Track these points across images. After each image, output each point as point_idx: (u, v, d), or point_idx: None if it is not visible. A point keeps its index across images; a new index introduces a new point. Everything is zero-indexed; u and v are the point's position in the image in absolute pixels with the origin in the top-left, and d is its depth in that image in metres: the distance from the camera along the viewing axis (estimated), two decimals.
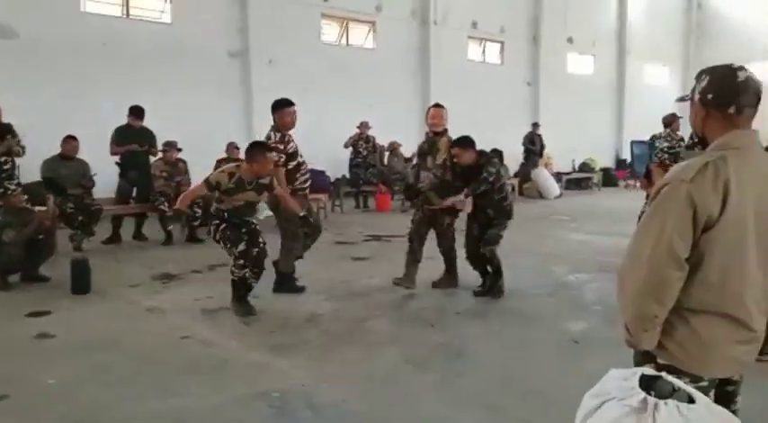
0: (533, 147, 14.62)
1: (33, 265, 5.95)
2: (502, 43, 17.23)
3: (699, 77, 1.82)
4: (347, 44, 14.19)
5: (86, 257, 5.80)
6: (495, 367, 3.90)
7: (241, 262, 4.93)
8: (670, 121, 9.29)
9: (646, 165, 2.24)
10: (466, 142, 5.53)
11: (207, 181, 4.91)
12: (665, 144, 9.15)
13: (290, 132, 5.62)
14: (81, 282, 5.53)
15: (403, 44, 14.85)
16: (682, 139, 9.06)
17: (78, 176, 7.43)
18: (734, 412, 1.81)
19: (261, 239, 5.09)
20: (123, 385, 3.60)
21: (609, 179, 17.05)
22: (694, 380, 1.72)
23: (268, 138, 5.51)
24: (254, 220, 5.19)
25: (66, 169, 7.30)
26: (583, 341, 4.40)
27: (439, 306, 5.24)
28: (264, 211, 9.37)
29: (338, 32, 14.09)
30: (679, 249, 1.64)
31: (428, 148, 5.81)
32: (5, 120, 6.83)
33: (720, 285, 1.67)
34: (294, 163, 5.55)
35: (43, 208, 6.34)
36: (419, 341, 4.39)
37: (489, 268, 5.53)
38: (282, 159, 5.41)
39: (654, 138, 9.26)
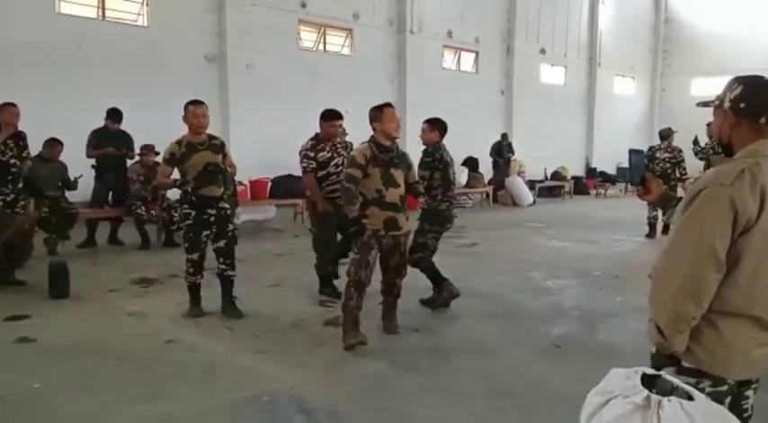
0: (500, 158, 14.81)
1: (9, 269, 5.84)
2: (476, 53, 17.46)
3: (730, 86, 1.87)
4: (324, 50, 14.22)
5: (65, 261, 5.72)
6: (480, 372, 3.96)
7: (191, 270, 4.99)
8: (668, 135, 9.63)
9: (642, 174, 2.29)
10: (435, 122, 5.61)
11: (163, 159, 4.95)
12: (667, 155, 9.46)
13: (331, 142, 5.87)
14: (59, 286, 5.45)
15: (380, 51, 14.95)
16: (681, 151, 9.49)
17: (57, 179, 7.31)
18: (744, 410, 1.88)
19: (229, 227, 5.01)
20: (109, 390, 3.57)
21: (580, 187, 17.36)
22: (716, 383, 1.78)
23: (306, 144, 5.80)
24: (225, 205, 4.99)
25: (46, 171, 7.17)
26: (564, 345, 4.49)
27: (422, 311, 5.29)
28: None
29: (315, 39, 14.11)
30: (720, 251, 1.69)
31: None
32: None
33: (749, 288, 1.73)
34: (323, 172, 5.66)
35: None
36: (404, 346, 4.44)
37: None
38: (312, 166, 5.63)
39: (652, 149, 9.57)
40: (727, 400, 1.81)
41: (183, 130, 10.46)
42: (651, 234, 9.55)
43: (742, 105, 1.82)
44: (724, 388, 1.80)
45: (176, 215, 8.06)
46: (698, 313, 1.74)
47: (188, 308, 5.10)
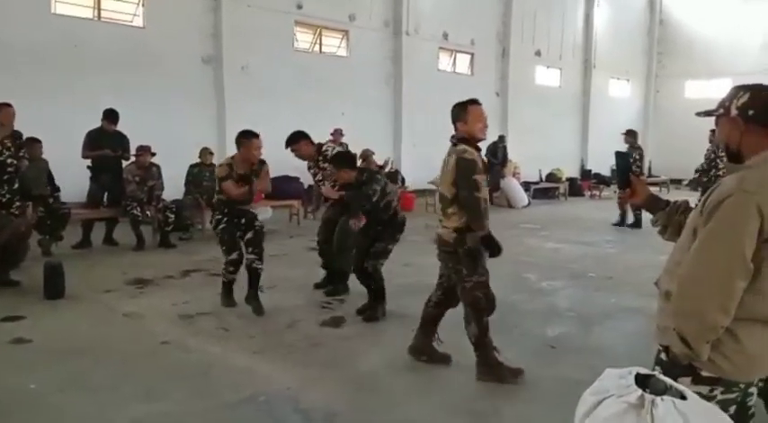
0: (495, 159, 14.84)
1: (4, 270, 5.83)
2: (472, 55, 17.50)
3: (735, 93, 1.88)
4: (320, 52, 14.23)
5: (60, 262, 5.71)
6: (475, 373, 3.97)
7: (231, 269, 5.26)
8: (632, 135, 10.18)
9: (626, 177, 2.24)
10: (340, 161, 5.22)
11: (221, 178, 5.25)
12: (636, 155, 9.90)
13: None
14: (55, 286, 5.45)
15: (376, 53, 14.97)
16: (641, 150, 10.13)
17: (43, 177, 7.29)
18: (749, 408, 1.90)
19: (257, 223, 5.38)
20: (105, 391, 3.57)
21: (575, 189, 17.40)
22: (728, 389, 1.80)
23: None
24: (253, 210, 5.51)
25: (32, 170, 7.13)
26: (559, 346, 4.52)
27: (417, 313, 5.28)
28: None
29: (311, 40, 14.12)
30: (749, 258, 1.70)
31: None
32: None
33: None
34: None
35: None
36: (400, 346, 4.42)
37: (370, 286, 5.15)
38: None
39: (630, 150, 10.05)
40: (735, 405, 1.83)
41: (179, 131, 10.49)
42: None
43: (751, 112, 1.84)
44: (735, 394, 1.82)
45: (171, 216, 8.12)
46: (726, 322, 1.74)
47: (221, 299, 5.38)
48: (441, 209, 3.83)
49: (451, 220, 3.69)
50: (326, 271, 5.95)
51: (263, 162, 5.41)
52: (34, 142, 7.30)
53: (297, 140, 5.87)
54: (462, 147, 3.71)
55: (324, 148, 5.95)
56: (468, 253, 3.67)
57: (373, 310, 5.11)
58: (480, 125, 3.82)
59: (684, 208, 2.20)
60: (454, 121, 3.84)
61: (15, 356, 4.12)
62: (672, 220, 2.22)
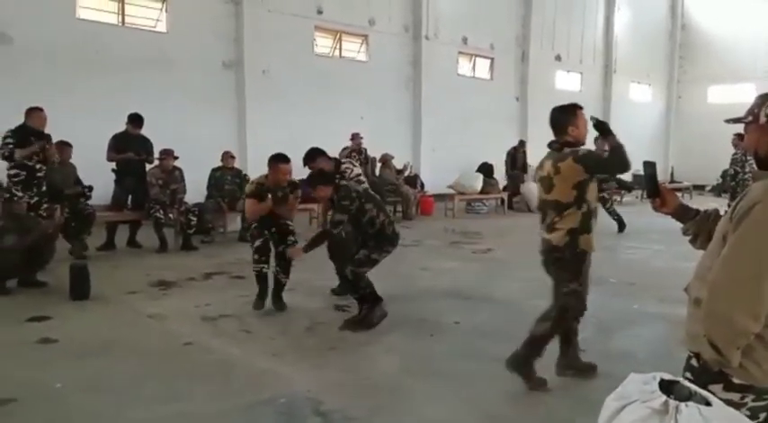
0: (514, 165, 14.77)
1: (31, 271, 5.94)
2: (492, 59, 17.49)
3: (764, 101, 1.88)
4: (340, 56, 14.32)
5: (86, 263, 5.81)
6: (496, 377, 3.95)
7: (256, 256, 5.28)
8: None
9: (655, 186, 2.24)
10: (313, 179, 5.11)
11: (247, 195, 5.41)
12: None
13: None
14: (81, 287, 5.54)
15: (395, 58, 15.03)
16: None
17: (71, 181, 7.43)
18: None
19: (291, 238, 5.41)
20: (129, 390, 3.62)
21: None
22: (759, 396, 1.79)
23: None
24: (290, 222, 5.51)
25: (59, 175, 7.28)
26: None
27: (438, 316, 5.31)
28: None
29: (331, 45, 14.22)
30: None
31: None
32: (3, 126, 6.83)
33: None
34: None
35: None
36: (419, 350, 4.46)
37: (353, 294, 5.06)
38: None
39: None
40: (766, 413, 1.82)
41: (201, 135, 10.59)
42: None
43: None
44: (765, 402, 1.80)
45: (194, 219, 8.21)
46: (757, 328, 1.73)
47: (255, 301, 5.38)
48: (550, 217, 3.72)
49: (566, 222, 3.63)
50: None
51: (295, 186, 5.46)
52: (65, 146, 7.47)
53: (314, 158, 5.73)
54: (571, 149, 3.70)
55: (343, 168, 5.81)
56: (575, 258, 3.67)
57: (365, 318, 4.95)
58: (585, 131, 3.84)
59: (715, 216, 2.19)
60: (562, 126, 3.79)
61: (42, 356, 4.19)
62: (702, 228, 2.21)
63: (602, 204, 9.87)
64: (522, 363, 3.75)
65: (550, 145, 3.82)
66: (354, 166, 6.01)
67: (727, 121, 2.12)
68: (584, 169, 3.58)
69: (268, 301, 5.38)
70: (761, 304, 1.73)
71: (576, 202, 3.60)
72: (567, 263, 3.67)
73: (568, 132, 3.75)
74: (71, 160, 7.71)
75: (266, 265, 5.33)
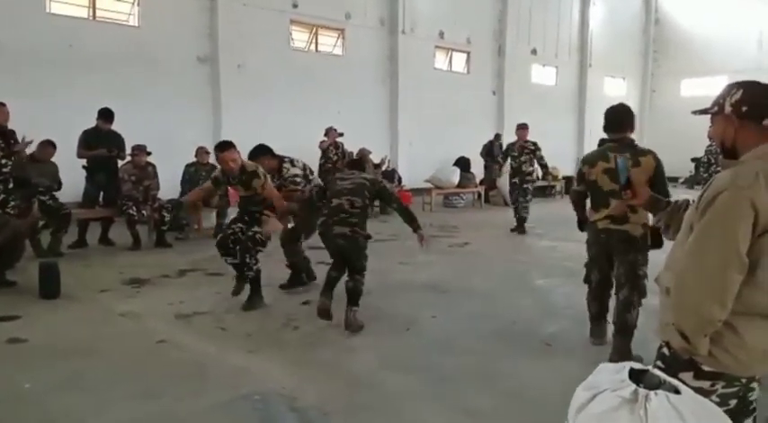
0: (490, 158, 14.81)
1: (1, 270, 5.81)
2: (468, 53, 17.51)
3: (729, 90, 1.89)
4: (316, 51, 14.23)
5: (56, 261, 5.70)
6: (472, 370, 3.98)
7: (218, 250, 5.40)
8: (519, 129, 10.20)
9: (626, 178, 2.27)
10: (256, 152, 5.72)
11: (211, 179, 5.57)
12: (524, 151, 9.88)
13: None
14: (50, 286, 5.43)
15: (372, 52, 14.97)
16: (535, 143, 10.01)
17: (49, 179, 7.29)
18: (750, 403, 1.88)
19: (253, 230, 5.32)
20: (101, 390, 3.56)
21: (571, 187, 17.39)
22: (729, 383, 1.80)
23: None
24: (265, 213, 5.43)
25: (37, 171, 7.14)
26: (555, 343, 4.52)
27: (414, 310, 5.31)
28: (231, 217, 9.34)
29: (307, 39, 14.11)
30: (743, 253, 1.71)
31: None
32: None
33: None
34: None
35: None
36: (395, 345, 4.45)
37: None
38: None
39: (510, 145, 10.28)
40: (735, 399, 1.83)
41: (175, 130, 10.54)
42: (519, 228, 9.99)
43: (744, 109, 1.84)
44: (736, 388, 1.82)
45: (167, 215, 8.10)
46: (723, 316, 1.75)
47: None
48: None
49: (640, 216, 3.99)
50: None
51: (253, 175, 5.25)
52: (47, 145, 7.34)
53: (257, 155, 5.73)
54: (647, 148, 4.12)
55: (283, 166, 5.92)
56: (646, 246, 4.07)
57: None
58: None
59: (686, 207, 2.21)
60: (629, 124, 4.17)
61: (10, 356, 4.10)
62: (674, 219, 2.23)
63: (524, 196, 9.89)
64: (628, 351, 4.02)
65: (611, 140, 4.19)
66: (294, 166, 5.96)
67: (695, 112, 2.13)
68: (654, 170, 3.95)
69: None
70: (727, 292, 1.74)
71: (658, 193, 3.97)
72: (643, 251, 4.08)
73: (630, 131, 4.17)
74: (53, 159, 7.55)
75: (230, 258, 5.29)
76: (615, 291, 4.27)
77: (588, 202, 4.32)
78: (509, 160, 10.14)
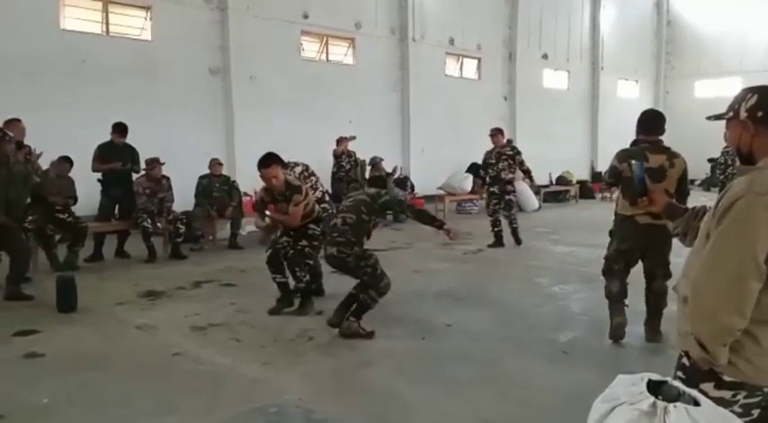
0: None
1: (16, 284, 5.86)
2: (479, 59, 17.50)
3: (744, 96, 1.86)
4: (327, 60, 14.28)
5: (73, 275, 5.75)
6: (489, 379, 3.94)
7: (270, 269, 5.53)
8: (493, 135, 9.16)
9: (643, 185, 2.26)
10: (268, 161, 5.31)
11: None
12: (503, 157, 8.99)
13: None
14: (67, 300, 5.47)
15: (382, 60, 15.01)
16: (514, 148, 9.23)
17: (64, 194, 7.37)
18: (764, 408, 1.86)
19: (302, 242, 5.45)
20: (117, 404, 3.57)
21: (586, 191, 17.30)
22: (751, 393, 1.77)
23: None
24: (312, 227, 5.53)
25: (53, 186, 7.23)
26: (572, 351, 4.48)
27: (430, 318, 5.29)
28: (247, 227, 9.40)
29: (318, 49, 14.18)
30: (762, 260, 1.68)
31: None
32: None
33: None
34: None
35: None
36: (411, 354, 4.43)
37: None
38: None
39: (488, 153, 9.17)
40: (758, 409, 1.80)
41: (188, 143, 10.65)
42: (497, 243, 9.08)
43: (760, 114, 1.82)
44: (758, 398, 1.79)
45: (182, 227, 8.15)
46: (742, 325, 1.72)
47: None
48: None
49: None
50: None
51: (295, 190, 5.29)
52: (63, 161, 7.43)
53: (269, 164, 5.33)
54: (675, 151, 4.40)
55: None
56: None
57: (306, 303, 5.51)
58: None
59: (703, 213, 2.17)
60: (662, 127, 4.48)
61: (28, 370, 4.13)
62: (691, 226, 2.19)
63: (508, 209, 9.00)
64: (659, 328, 4.51)
65: (645, 142, 4.43)
66: (293, 170, 6.03)
67: (709, 118, 2.10)
68: (683, 172, 4.31)
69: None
70: (745, 300, 1.71)
71: (681, 194, 4.23)
72: (670, 244, 4.32)
73: (662, 134, 4.45)
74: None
75: (278, 276, 5.40)
76: (647, 281, 4.55)
77: (620, 195, 4.62)
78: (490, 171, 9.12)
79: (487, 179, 9.17)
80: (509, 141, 14.86)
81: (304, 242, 5.40)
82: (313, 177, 6.64)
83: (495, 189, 9.04)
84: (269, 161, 5.21)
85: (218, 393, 3.72)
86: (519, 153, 9.28)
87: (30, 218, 6.79)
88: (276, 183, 5.25)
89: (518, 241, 9.15)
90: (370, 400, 3.64)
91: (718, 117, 1.99)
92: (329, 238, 4.84)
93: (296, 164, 6.25)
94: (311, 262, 5.51)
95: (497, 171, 8.98)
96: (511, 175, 9.06)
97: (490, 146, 9.27)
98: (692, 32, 23.10)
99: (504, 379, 3.95)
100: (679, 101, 23.03)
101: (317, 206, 5.67)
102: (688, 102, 22.43)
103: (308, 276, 5.43)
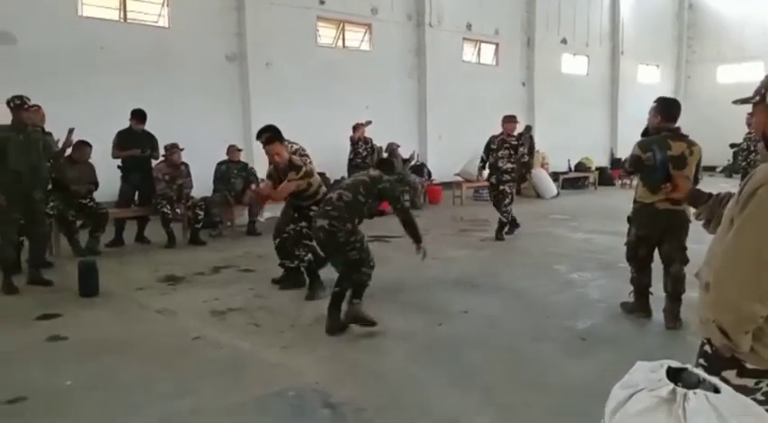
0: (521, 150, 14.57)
1: (36, 269, 5.97)
2: (496, 45, 17.33)
3: None
4: (343, 46, 14.23)
5: (94, 260, 5.83)
6: (505, 366, 3.95)
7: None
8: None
9: (667, 171, 2.22)
10: (269, 137, 5.41)
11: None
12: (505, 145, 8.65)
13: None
14: (89, 284, 5.56)
15: (399, 46, 14.92)
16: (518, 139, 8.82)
17: (84, 180, 7.46)
18: None
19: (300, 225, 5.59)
20: (137, 387, 3.63)
21: (605, 178, 17.14)
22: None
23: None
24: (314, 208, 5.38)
25: (74, 172, 7.33)
26: (590, 338, 4.46)
27: (446, 305, 5.29)
28: (265, 214, 9.45)
29: (334, 35, 14.13)
30: None
31: None
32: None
33: None
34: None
35: None
36: (427, 340, 4.44)
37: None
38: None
39: (492, 138, 8.84)
40: None
41: (206, 129, 10.66)
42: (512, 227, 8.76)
43: None
44: None
45: (201, 213, 8.22)
46: (764, 312, 1.70)
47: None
48: None
49: None
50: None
51: (293, 168, 5.37)
52: (83, 145, 7.47)
53: (272, 141, 5.43)
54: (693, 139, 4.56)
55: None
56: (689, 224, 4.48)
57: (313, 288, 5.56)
58: None
59: (727, 200, 2.15)
60: (678, 115, 4.66)
61: (51, 354, 4.21)
62: (715, 213, 2.17)
63: (501, 199, 8.58)
64: (678, 313, 4.54)
65: (667, 129, 4.56)
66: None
67: (735, 102, 2.07)
68: (699, 160, 4.48)
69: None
70: (766, 288, 1.69)
71: (694, 181, 4.24)
72: (687, 229, 4.50)
73: (677, 121, 4.60)
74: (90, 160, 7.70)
75: (288, 261, 5.54)
76: (664, 266, 4.64)
77: (639, 182, 4.75)
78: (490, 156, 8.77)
79: (486, 166, 8.87)
80: (528, 128, 14.83)
81: (304, 223, 5.43)
82: (307, 158, 6.62)
83: (492, 179, 8.73)
84: (269, 138, 5.27)
85: (237, 377, 3.77)
86: (522, 145, 8.91)
87: (51, 204, 6.88)
88: (279, 159, 5.31)
89: (498, 237, 8.54)
90: (386, 384, 3.67)
91: (744, 101, 1.96)
92: (321, 210, 4.67)
93: (291, 144, 6.28)
94: (311, 243, 5.44)
95: (496, 159, 8.60)
96: (509, 165, 8.60)
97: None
98: (714, 16, 22.65)
99: (520, 366, 3.95)
100: (700, 86, 22.67)
101: (323, 187, 5.63)
102: (710, 87, 22.06)
103: (309, 255, 5.44)
